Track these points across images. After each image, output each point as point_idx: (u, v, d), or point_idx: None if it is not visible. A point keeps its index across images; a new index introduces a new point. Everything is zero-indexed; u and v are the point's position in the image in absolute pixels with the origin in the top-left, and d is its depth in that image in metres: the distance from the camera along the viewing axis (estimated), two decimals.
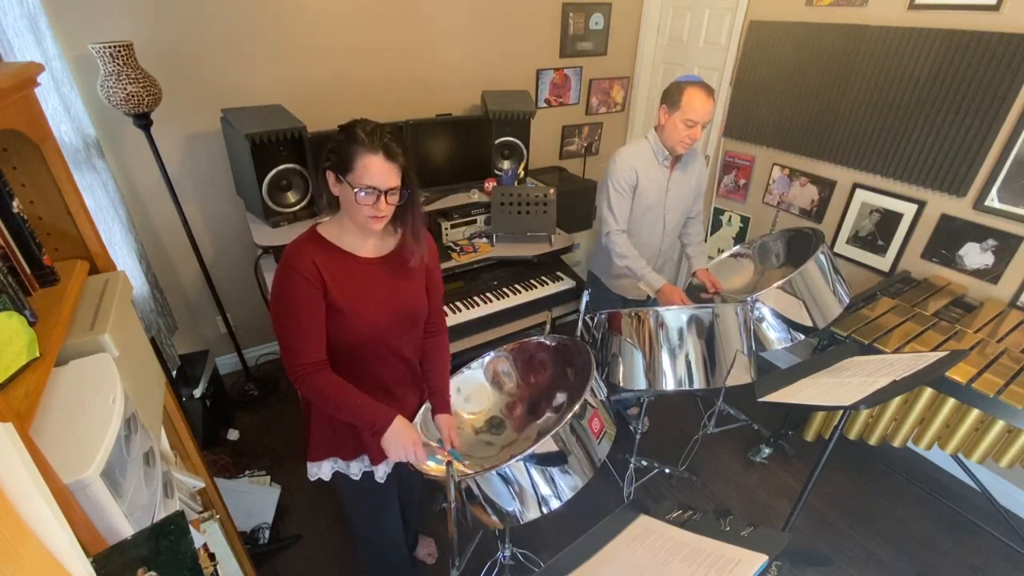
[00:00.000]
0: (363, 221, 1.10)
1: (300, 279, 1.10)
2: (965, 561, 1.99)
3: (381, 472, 1.35)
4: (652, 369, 1.63)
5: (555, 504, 1.14)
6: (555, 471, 1.14)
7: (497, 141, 2.68)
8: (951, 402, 1.72)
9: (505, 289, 2.38)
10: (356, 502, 1.46)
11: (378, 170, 1.04)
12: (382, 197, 1.06)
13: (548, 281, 2.46)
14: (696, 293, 2.20)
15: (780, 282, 1.74)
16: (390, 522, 1.54)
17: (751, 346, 1.67)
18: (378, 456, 1.31)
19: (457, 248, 2.43)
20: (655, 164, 1.93)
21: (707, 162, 2.13)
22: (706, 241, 3.19)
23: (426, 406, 1.41)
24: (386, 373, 1.28)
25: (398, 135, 1.09)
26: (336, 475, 1.34)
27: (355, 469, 1.34)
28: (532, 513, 1.14)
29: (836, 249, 2.63)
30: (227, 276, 2.66)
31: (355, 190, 1.05)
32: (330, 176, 1.10)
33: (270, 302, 1.16)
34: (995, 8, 1.91)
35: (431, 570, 1.94)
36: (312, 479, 1.34)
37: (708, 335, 1.61)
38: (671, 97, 1.80)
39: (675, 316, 1.60)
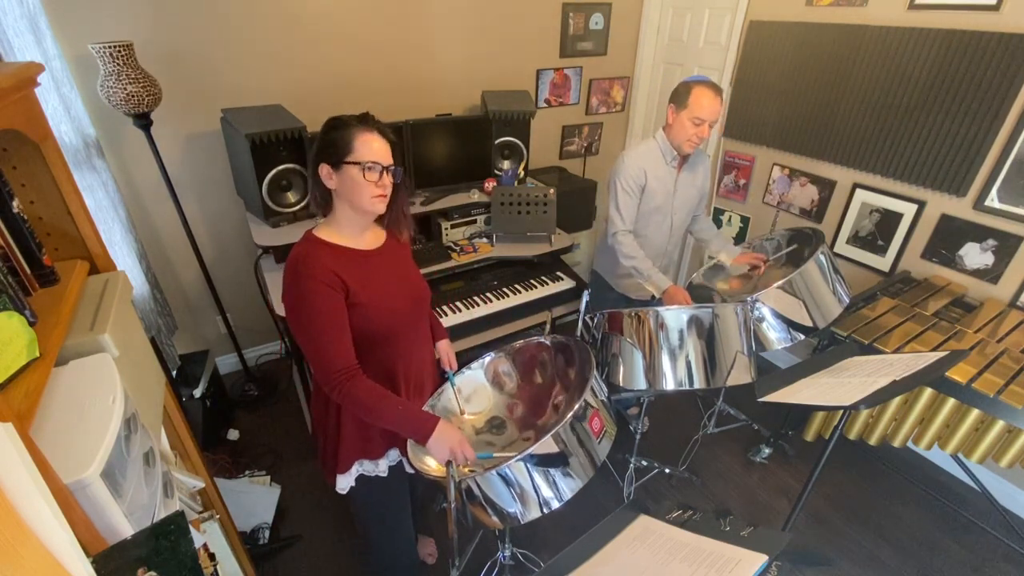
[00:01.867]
0: (368, 203, 1.10)
1: (320, 286, 1.08)
2: (965, 561, 1.99)
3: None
4: (652, 369, 1.63)
5: (555, 504, 1.14)
6: (555, 471, 1.14)
7: (497, 141, 2.68)
8: (951, 402, 1.72)
9: (505, 289, 2.38)
10: (373, 503, 1.46)
11: (378, 147, 1.09)
12: (385, 173, 1.09)
13: (548, 281, 2.46)
14: (698, 293, 2.20)
15: (780, 282, 1.74)
16: (404, 522, 1.54)
17: (751, 346, 1.67)
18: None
19: (457, 248, 2.43)
20: (663, 164, 1.93)
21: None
22: None
23: (433, 396, 1.43)
24: (408, 361, 1.30)
25: (392, 131, 1.14)
26: (358, 479, 1.34)
27: (383, 467, 1.35)
28: (532, 513, 1.14)
29: (836, 249, 2.63)
30: (227, 276, 2.66)
31: (361, 166, 1.06)
32: (324, 169, 1.10)
33: (289, 315, 1.13)
34: (995, 8, 1.91)
35: (431, 570, 1.94)
36: (343, 491, 1.33)
37: (708, 335, 1.61)
38: (679, 96, 1.81)
39: (675, 316, 1.60)
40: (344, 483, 1.32)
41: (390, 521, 1.51)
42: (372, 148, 1.08)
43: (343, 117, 1.10)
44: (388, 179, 1.10)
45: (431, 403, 1.43)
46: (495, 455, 1.30)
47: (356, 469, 1.33)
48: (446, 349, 1.49)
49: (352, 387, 1.11)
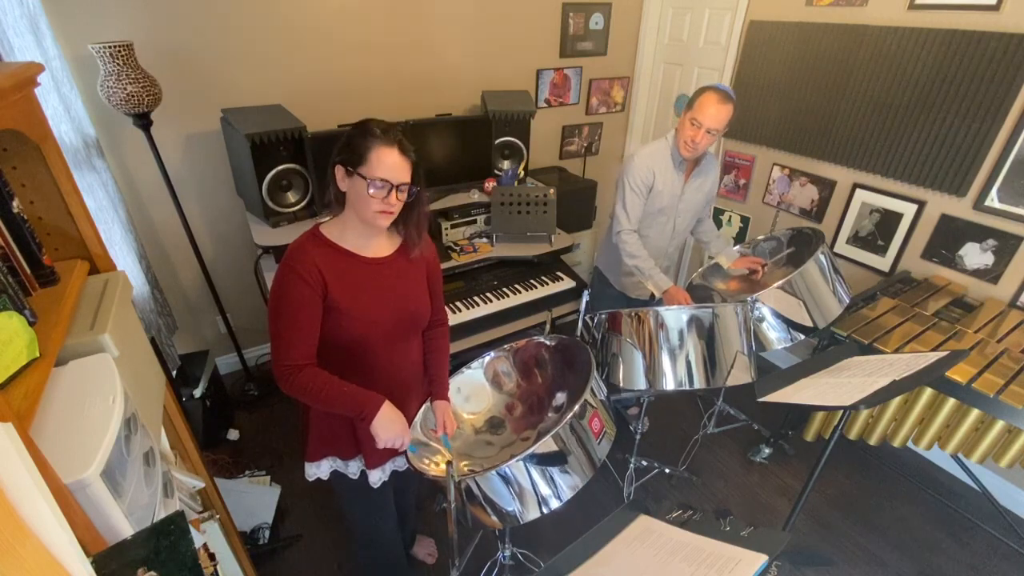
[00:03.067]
0: (371, 216, 1.09)
1: (299, 280, 1.09)
2: (965, 561, 1.99)
3: (375, 477, 1.35)
4: (652, 369, 1.63)
5: (555, 504, 1.14)
6: (555, 471, 1.14)
7: (497, 141, 2.68)
8: (951, 402, 1.72)
9: (505, 289, 2.38)
10: (352, 500, 1.46)
11: (392, 164, 1.06)
12: (393, 191, 1.07)
13: (548, 281, 2.46)
14: (698, 293, 2.20)
15: (780, 282, 1.74)
16: (385, 520, 1.54)
17: (751, 346, 1.67)
18: (373, 460, 1.32)
19: (457, 248, 2.43)
20: (672, 167, 1.93)
21: None
22: None
23: (427, 404, 1.41)
24: (388, 375, 1.28)
25: (408, 135, 1.12)
26: (333, 474, 1.35)
27: (353, 468, 1.35)
28: (532, 513, 1.14)
29: (836, 249, 2.63)
30: (227, 276, 2.66)
31: (368, 181, 1.05)
32: (339, 171, 1.09)
33: (270, 298, 1.16)
34: (995, 8, 1.91)
35: (431, 570, 1.94)
36: (311, 479, 1.34)
37: (708, 335, 1.61)
38: (691, 97, 1.80)
39: (675, 316, 1.60)
40: (311, 471, 1.33)
41: (368, 521, 1.52)
42: (384, 164, 1.05)
43: (372, 123, 1.08)
44: (395, 197, 1.08)
45: (414, 423, 1.39)
46: (435, 444, 1.34)
47: (328, 465, 1.33)
48: (442, 411, 1.38)
49: (299, 377, 1.11)
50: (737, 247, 2.18)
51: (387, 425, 1.16)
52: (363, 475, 1.36)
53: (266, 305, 2.73)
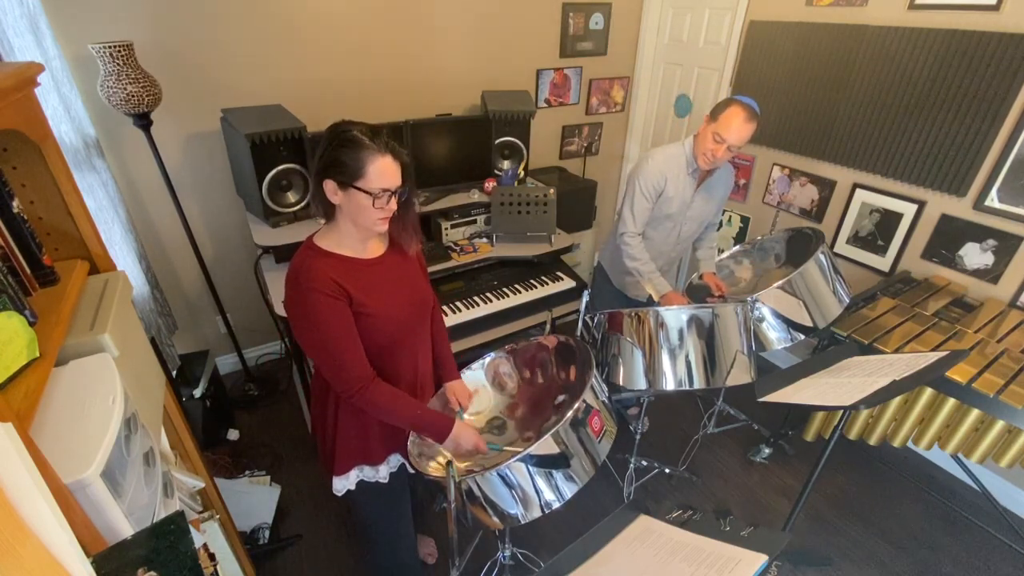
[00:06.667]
0: (372, 223, 1.09)
1: (326, 298, 1.07)
2: (965, 561, 1.99)
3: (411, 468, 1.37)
4: (652, 369, 1.63)
5: (555, 504, 1.14)
6: (555, 471, 1.14)
7: (497, 141, 2.68)
8: (951, 402, 1.72)
9: (505, 289, 2.38)
10: (377, 507, 1.45)
11: (388, 171, 1.05)
12: (393, 197, 1.08)
13: (548, 281, 2.46)
14: (695, 294, 2.20)
15: (780, 282, 1.74)
16: (405, 528, 1.54)
17: (751, 346, 1.67)
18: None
19: (457, 248, 2.43)
20: (684, 174, 1.90)
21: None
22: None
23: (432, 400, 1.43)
24: (411, 368, 1.30)
25: (392, 132, 1.11)
26: (359, 483, 1.34)
27: (383, 473, 1.35)
28: (532, 513, 1.14)
29: (836, 249, 2.63)
30: (227, 276, 2.66)
31: (372, 195, 1.04)
32: (329, 185, 1.06)
33: (295, 327, 1.13)
34: (995, 8, 1.91)
35: (431, 570, 1.94)
36: (340, 493, 1.33)
37: (708, 335, 1.61)
38: (716, 108, 1.76)
39: (675, 316, 1.60)
40: (340, 485, 1.32)
41: (392, 527, 1.51)
42: (382, 175, 1.04)
43: (354, 132, 1.03)
44: (394, 202, 1.09)
45: (431, 405, 1.43)
46: (505, 448, 1.34)
47: (356, 475, 1.33)
48: (459, 390, 1.46)
49: (370, 393, 1.14)
50: (712, 265, 2.18)
51: (459, 441, 1.24)
52: (392, 480, 1.37)
53: (266, 305, 2.73)
